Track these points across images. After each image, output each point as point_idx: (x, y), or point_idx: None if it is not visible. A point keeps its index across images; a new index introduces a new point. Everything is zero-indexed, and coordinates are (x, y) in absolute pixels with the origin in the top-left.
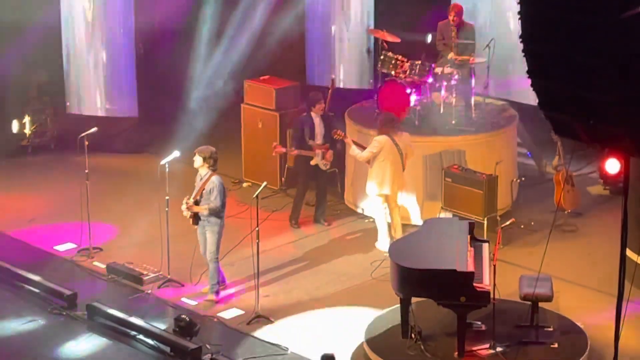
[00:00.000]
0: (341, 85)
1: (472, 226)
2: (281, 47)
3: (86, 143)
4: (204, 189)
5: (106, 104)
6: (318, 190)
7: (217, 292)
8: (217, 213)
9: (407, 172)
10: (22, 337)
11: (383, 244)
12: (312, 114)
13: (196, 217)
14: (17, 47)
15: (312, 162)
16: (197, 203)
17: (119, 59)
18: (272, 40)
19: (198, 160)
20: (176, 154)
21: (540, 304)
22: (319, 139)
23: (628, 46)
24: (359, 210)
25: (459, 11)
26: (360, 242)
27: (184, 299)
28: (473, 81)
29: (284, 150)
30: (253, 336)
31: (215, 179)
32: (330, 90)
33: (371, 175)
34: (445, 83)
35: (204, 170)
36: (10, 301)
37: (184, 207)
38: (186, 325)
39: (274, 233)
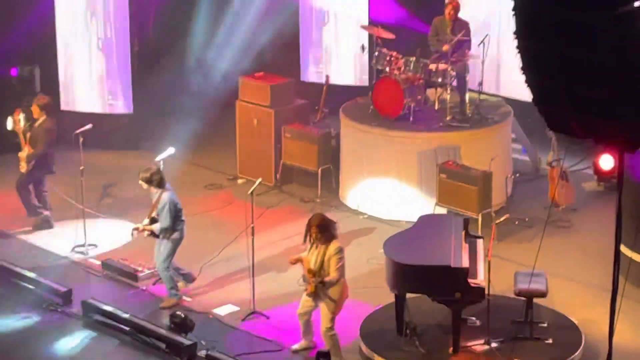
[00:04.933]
0: (336, 82)
1: (466, 222)
2: (275, 44)
3: (81, 140)
4: (156, 207)
5: (101, 100)
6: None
7: (176, 294)
8: (170, 229)
9: (401, 170)
10: (18, 334)
11: None
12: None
13: (153, 233)
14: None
15: (20, 154)
16: (154, 220)
17: (114, 56)
18: (266, 36)
19: (143, 185)
20: (171, 150)
21: (535, 300)
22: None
23: (623, 42)
24: (354, 207)
25: (456, 6)
26: (356, 237)
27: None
28: (467, 77)
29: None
30: (249, 332)
31: (165, 196)
32: (325, 88)
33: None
34: (439, 79)
35: (154, 190)
36: (6, 298)
37: (135, 231)
38: (181, 322)
39: (269, 229)
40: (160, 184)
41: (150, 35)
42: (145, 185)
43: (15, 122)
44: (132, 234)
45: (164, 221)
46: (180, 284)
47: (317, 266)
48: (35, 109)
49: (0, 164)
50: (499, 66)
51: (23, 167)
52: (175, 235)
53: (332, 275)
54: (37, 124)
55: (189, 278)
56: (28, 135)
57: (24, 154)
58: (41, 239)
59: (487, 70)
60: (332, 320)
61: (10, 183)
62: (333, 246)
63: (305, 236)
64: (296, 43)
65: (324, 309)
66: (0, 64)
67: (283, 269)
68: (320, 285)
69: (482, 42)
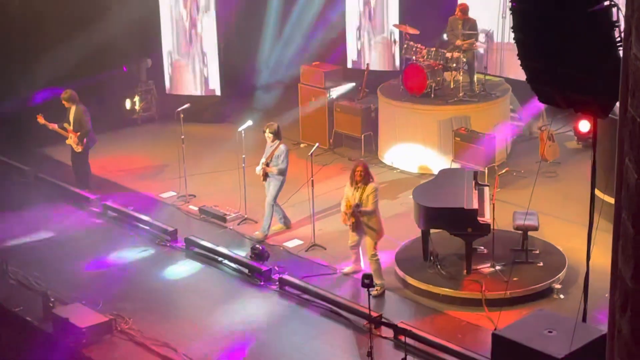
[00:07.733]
0: (374, 68)
1: (476, 174)
2: (328, 38)
3: (181, 116)
4: (273, 155)
5: (196, 85)
6: (73, 167)
7: (266, 232)
8: (282, 172)
9: (425, 135)
10: (138, 262)
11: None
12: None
13: (265, 175)
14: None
15: (67, 142)
16: (267, 165)
17: (206, 51)
18: (321, 32)
19: (270, 137)
20: (249, 123)
21: (530, 233)
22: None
23: (593, 34)
24: (389, 163)
25: (465, 8)
26: (391, 186)
27: (257, 233)
28: (475, 63)
29: (44, 122)
30: (310, 260)
31: (282, 146)
32: (366, 73)
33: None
34: (454, 64)
35: (272, 140)
36: (128, 236)
37: (259, 168)
38: (259, 253)
39: (324, 181)
40: (279, 136)
41: (233, 35)
42: (270, 137)
43: (132, 104)
44: (258, 171)
45: (281, 164)
46: (279, 227)
47: (357, 201)
48: (64, 103)
49: (122, 135)
50: (500, 53)
51: (79, 148)
52: (283, 178)
53: (369, 207)
54: (70, 113)
55: (288, 223)
56: (71, 123)
57: (71, 140)
58: (155, 191)
59: (490, 57)
60: (375, 247)
61: (131, 149)
62: (371, 186)
63: (351, 178)
64: (344, 38)
65: (368, 239)
66: (115, 60)
67: (336, 212)
68: (359, 213)
69: (486, 35)
